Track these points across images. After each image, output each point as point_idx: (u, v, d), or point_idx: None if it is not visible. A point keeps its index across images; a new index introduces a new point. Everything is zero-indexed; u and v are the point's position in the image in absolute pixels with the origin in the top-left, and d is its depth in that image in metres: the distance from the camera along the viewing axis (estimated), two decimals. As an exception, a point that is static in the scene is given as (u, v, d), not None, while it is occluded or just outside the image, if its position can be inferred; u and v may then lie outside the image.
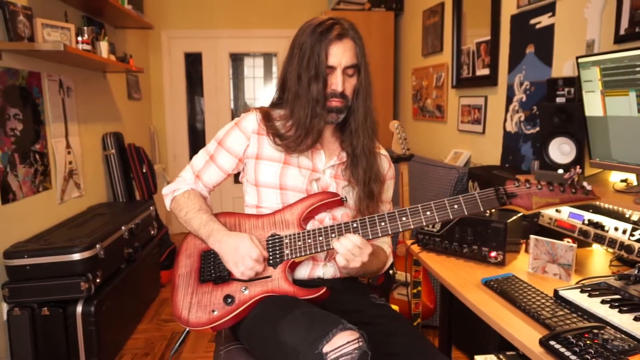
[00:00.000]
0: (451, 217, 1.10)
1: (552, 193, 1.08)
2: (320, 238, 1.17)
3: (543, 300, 1.16)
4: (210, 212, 1.29)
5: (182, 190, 1.33)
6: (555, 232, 1.55)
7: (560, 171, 1.69)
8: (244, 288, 1.18)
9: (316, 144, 1.26)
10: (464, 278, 1.38)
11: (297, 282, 1.23)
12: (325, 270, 1.28)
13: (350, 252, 1.11)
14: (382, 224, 1.13)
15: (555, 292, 1.20)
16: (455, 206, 1.10)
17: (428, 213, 1.11)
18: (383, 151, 1.39)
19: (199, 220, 1.25)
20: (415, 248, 1.66)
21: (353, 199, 1.28)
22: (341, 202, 1.25)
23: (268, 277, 1.18)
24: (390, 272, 2.20)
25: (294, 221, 1.23)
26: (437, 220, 1.11)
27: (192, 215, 1.27)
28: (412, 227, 1.12)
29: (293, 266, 1.22)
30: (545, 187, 1.08)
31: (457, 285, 1.33)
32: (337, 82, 1.19)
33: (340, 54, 1.18)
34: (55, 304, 2.07)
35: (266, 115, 1.29)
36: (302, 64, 1.19)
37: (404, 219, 1.12)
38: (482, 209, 1.10)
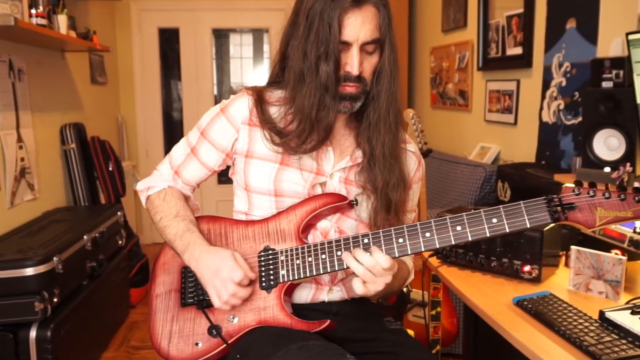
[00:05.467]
0: (487, 234, 1.02)
1: (623, 204, 0.96)
2: (324, 256, 1.11)
3: (586, 324, 1.16)
4: (189, 217, 1.25)
5: (158, 189, 1.29)
6: (601, 242, 1.55)
7: (607, 169, 1.69)
8: (232, 317, 1.16)
9: (325, 142, 1.18)
10: (492, 297, 1.38)
11: (297, 307, 1.21)
12: (330, 297, 1.25)
13: (371, 270, 1.04)
14: (400, 240, 1.07)
15: (601, 313, 1.20)
16: (494, 220, 1.02)
17: (459, 228, 1.03)
18: (411, 146, 1.29)
19: (175, 230, 1.21)
20: (434, 261, 1.66)
21: (368, 210, 1.21)
22: (350, 206, 1.20)
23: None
24: (404, 289, 2.20)
25: (291, 232, 1.18)
26: (470, 239, 1.03)
27: (167, 222, 1.23)
28: (437, 246, 1.05)
29: (291, 288, 1.19)
30: (615, 195, 0.97)
31: (483, 306, 1.33)
32: (352, 63, 1.10)
33: (358, 26, 1.08)
34: (4, 328, 2.07)
35: (261, 100, 1.21)
36: (309, 37, 1.09)
37: (427, 234, 1.05)
38: (528, 226, 1.01)
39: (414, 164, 1.29)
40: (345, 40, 1.08)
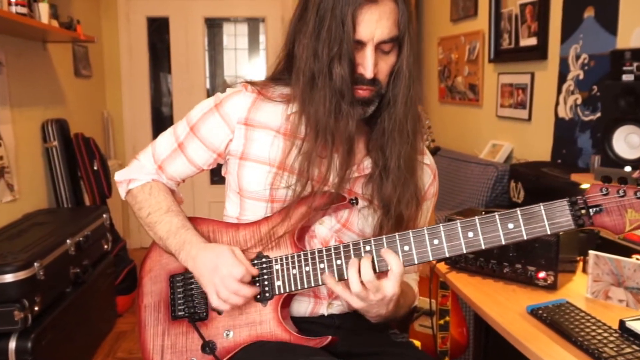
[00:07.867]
0: (503, 241, 0.98)
1: None
2: (322, 265, 1.08)
3: (605, 334, 1.16)
4: (183, 214, 1.23)
5: (141, 182, 1.27)
6: (621, 246, 1.55)
7: (628, 168, 1.69)
8: (226, 332, 1.15)
9: (351, 155, 1.12)
10: (505, 305, 1.38)
11: (296, 320, 1.19)
12: (330, 310, 1.24)
13: (361, 291, 1.02)
14: (406, 248, 1.03)
15: (621, 323, 1.20)
16: (511, 225, 0.98)
17: (471, 234, 1.00)
18: (427, 158, 1.27)
19: (167, 226, 1.19)
20: (443, 267, 1.66)
21: (372, 225, 1.18)
22: (350, 206, 1.17)
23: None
24: (410, 297, 2.20)
25: (286, 237, 1.14)
26: (483, 247, 0.99)
27: (157, 217, 1.21)
28: (447, 255, 1.02)
29: (288, 299, 1.17)
30: None
31: (495, 315, 1.33)
32: (366, 64, 1.05)
33: (373, 23, 1.02)
34: (-19, 339, 2.07)
35: (261, 98, 1.18)
36: (320, 35, 1.04)
37: (435, 242, 1.02)
38: (549, 232, 0.96)
39: (428, 178, 1.27)
40: (358, 39, 1.03)
